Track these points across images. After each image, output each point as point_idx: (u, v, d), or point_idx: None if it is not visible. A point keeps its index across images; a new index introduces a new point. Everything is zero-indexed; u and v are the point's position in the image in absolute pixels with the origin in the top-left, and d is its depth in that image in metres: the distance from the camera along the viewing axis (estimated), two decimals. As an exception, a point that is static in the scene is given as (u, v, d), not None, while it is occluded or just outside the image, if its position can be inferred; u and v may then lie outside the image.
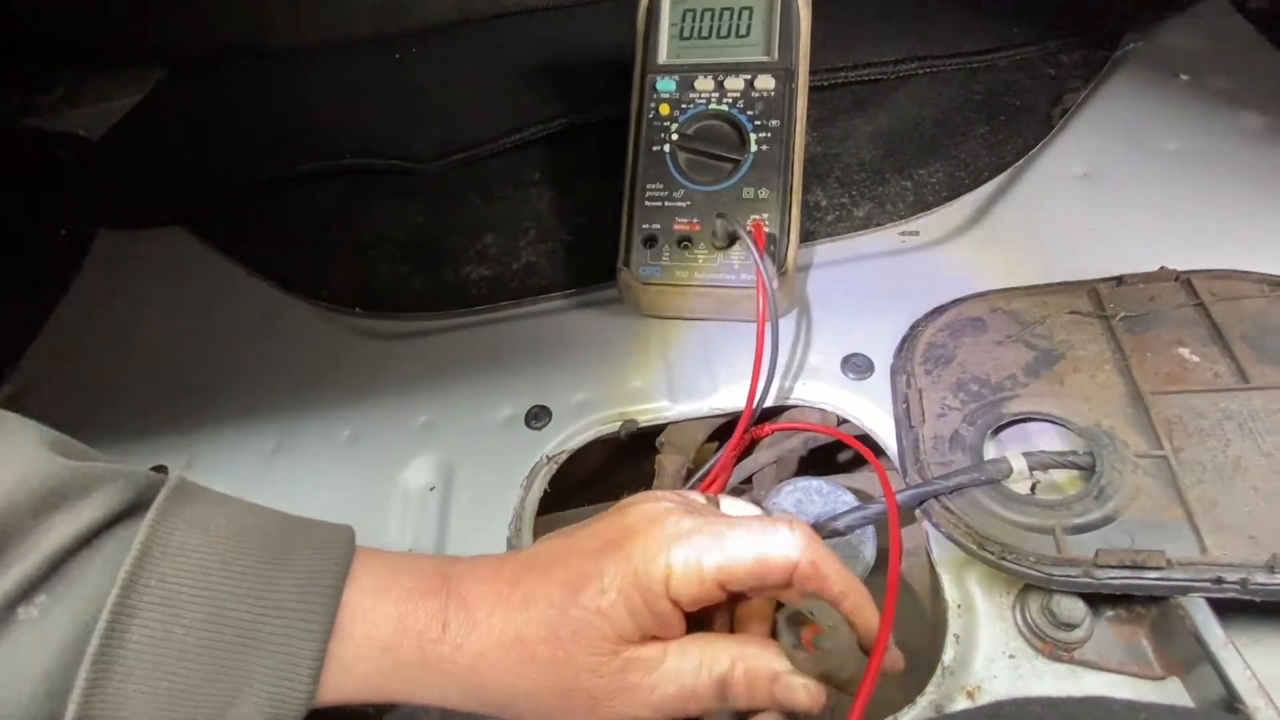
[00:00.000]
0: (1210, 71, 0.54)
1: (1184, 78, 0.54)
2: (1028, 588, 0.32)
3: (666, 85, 0.44)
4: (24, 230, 0.63)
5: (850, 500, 0.35)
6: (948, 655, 0.31)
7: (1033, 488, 0.34)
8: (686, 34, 0.44)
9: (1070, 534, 0.31)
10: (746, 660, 0.26)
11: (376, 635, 0.25)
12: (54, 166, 0.68)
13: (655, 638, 0.25)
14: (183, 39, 0.76)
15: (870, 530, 0.34)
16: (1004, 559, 0.31)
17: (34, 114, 0.77)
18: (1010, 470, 0.33)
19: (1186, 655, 0.28)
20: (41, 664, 0.21)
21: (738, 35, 0.43)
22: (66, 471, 0.23)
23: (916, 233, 0.49)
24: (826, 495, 0.35)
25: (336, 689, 0.24)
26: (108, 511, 0.23)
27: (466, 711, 0.26)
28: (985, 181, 0.50)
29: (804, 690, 0.25)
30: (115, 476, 0.24)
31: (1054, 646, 0.30)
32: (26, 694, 0.21)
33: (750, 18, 0.42)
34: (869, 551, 0.33)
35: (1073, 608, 0.30)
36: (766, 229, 0.41)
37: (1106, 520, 0.31)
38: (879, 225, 0.49)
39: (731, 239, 0.41)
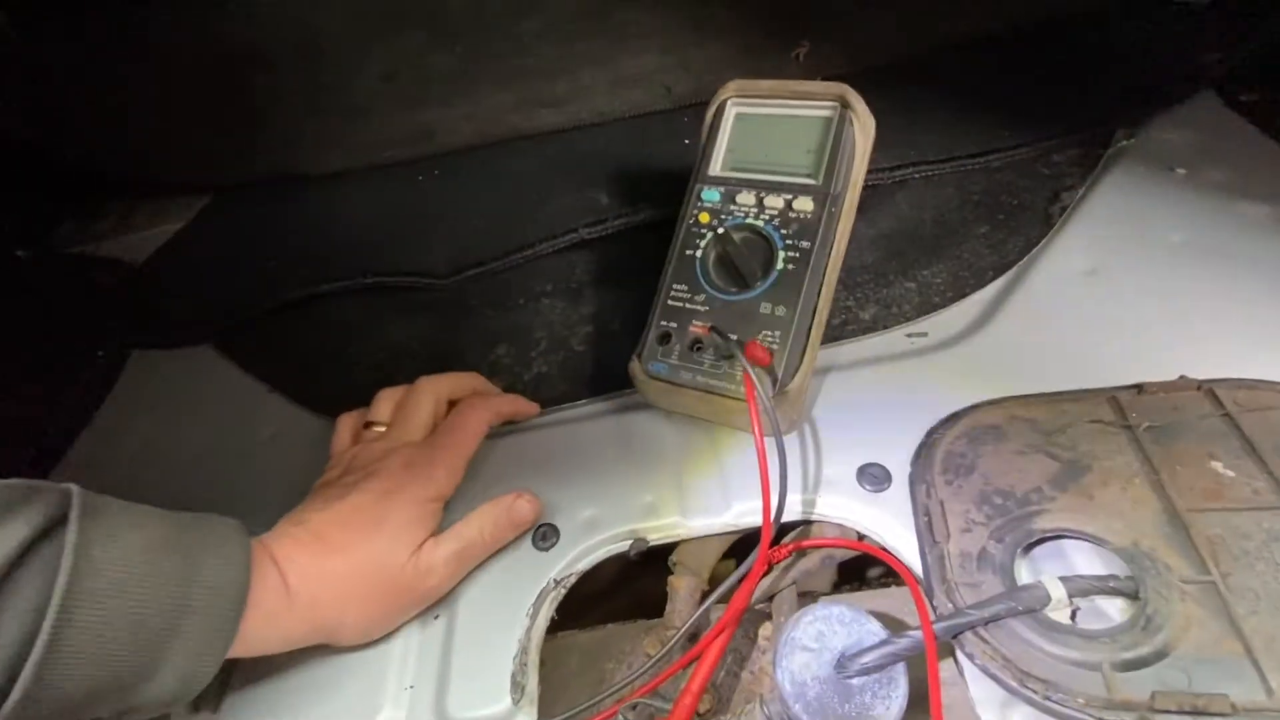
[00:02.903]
0: (1206, 164, 0.54)
1: (1180, 171, 0.55)
2: (1081, 733, 0.29)
3: (711, 195, 0.45)
4: (64, 353, 0.66)
5: (877, 630, 0.32)
6: (999, 816, 0.28)
7: (1073, 614, 0.32)
8: (742, 151, 0.45)
9: (1120, 670, 0.28)
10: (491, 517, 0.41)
11: (256, 610, 0.33)
12: (95, 291, 0.72)
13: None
14: (228, 168, 0.82)
15: (901, 664, 0.32)
16: (1049, 699, 0.28)
17: (86, 240, 0.83)
18: (1049, 599, 0.30)
19: (1270, 820, 0.25)
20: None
21: (789, 157, 0.44)
22: None
23: (925, 334, 0.48)
24: (850, 625, 0.33)
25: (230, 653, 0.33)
26: (33, 529, 0.27)
27: (309, 644, 0.36)
28: (990, 281, 0.50)
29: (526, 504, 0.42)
30: (30, 493, 0.28)
31: (1117, 806, 0.27)
32: None
33: (803, 142, 0.43)
34: (900, 689, 0.31)
35: (1133, 761, 0.27)
36: (773, 347, 0.40)
37: (1159, 655, 0.28)
38: (886, 328, 0.49)
39: (729, 351, 0.41)
